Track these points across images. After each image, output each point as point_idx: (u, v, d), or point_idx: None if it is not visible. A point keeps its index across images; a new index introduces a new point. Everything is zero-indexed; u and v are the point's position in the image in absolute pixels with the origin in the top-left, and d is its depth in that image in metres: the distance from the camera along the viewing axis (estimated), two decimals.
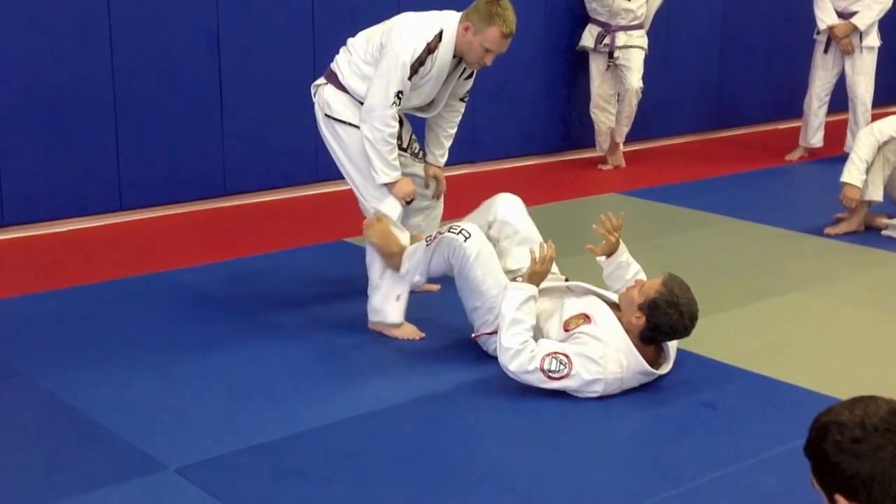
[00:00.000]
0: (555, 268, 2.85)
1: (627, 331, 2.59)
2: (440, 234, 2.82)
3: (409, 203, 3.04)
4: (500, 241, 2.98)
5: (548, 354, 2.53)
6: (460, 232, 2.76)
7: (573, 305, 2.69)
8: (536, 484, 2.21)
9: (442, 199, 3.32)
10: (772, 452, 2.36)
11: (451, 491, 2.17)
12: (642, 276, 2.83)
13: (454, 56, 2.94)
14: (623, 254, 2.86)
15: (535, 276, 2.69)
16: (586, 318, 2.63)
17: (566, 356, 2.53)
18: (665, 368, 2.67)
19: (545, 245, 2.73)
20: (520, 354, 2.54)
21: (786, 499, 2.17)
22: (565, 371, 2.51)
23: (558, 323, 2.66)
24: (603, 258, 2.88)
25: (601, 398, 2.58)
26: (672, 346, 2.72)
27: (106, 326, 3.07)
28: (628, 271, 2.82)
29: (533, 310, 2.63)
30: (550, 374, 2.52)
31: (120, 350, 2.88)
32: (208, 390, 2.64)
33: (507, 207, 3.01)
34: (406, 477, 2.23)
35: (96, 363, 2.79)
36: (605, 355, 2.53)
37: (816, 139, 5.56)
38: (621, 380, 2.57)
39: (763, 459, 2.33)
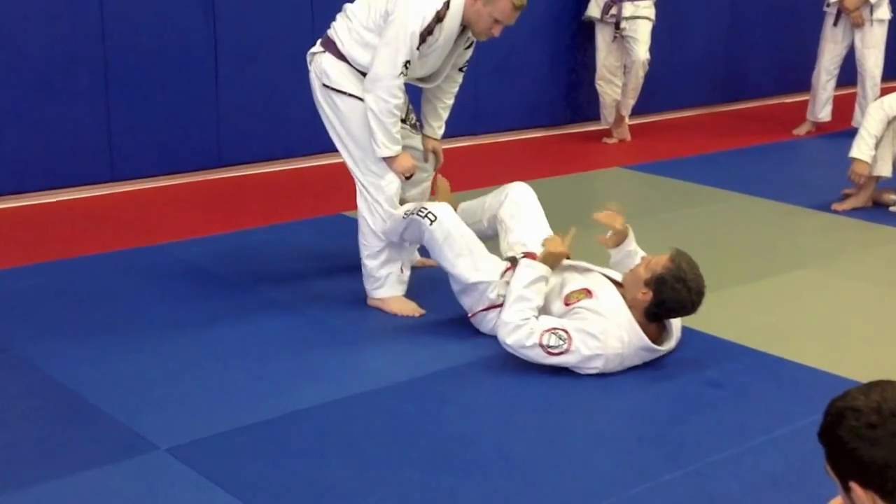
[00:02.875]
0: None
1: (631, 307, 2.56)
2: (410, 214, 2.80)
3: (408, 178, 2.97)
4: (505, 220, 2.96)
5: (547, 330, 2.51)
6: (426, 215, 2.75)
7: (574, 280, 2.66)
8: (539, 463, 2.18)
9: (434, 172, 3.26)
10: (779, 432, 2.34)
11: (451, 470, 2.15)
12: None
13: (460, 25, 2.87)
14: (631, 242, 2.84)
15: (550, 257, 2.64)
16: (587, 292, 2.60)
17: (565, 331, 2.51)
18: (668, 345, 2.63)
19: (564, 235, 2.71)
20: (519, 329, 2.52)
21: (793, 479, 2.15)
22: (564, 346, 2.49)
23: (559, 297, 2.64)
24: (612, 248, 2.85)
25: (604, 376, 2.56)
26: (676, 324, 2.68)
27: (96, 301, 3.03)
28: (635, 259, 2.78)
29: (542, 291, 2.61)
30: (549, 349, 2.50)
31: (110, 326, 2.84)
32: (202, 367, 2.61)
33: (521, 191, 3.02)
34: (406, 456, 2.20)
35: (86, 339, 2.75)
36: (605, 331, 2.51)
37: (824, 113, 5.51)
38: (622, 356, 2.54)
39: (770, 439, 2.31)
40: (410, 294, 3.01)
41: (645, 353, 2.57)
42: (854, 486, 1.27)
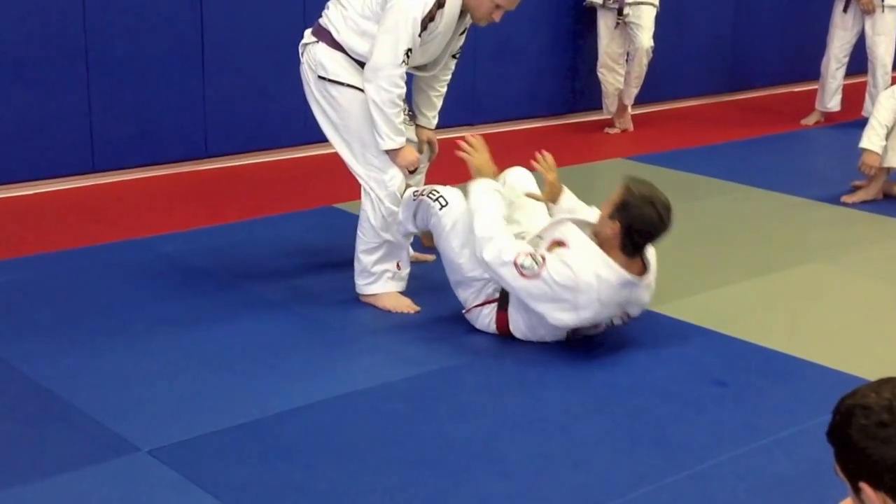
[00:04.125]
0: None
1: (608, 250, 2.59)
2: (421, 195, 2.80)
3: (412, 172, 2.95)
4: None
5: (524, 252, 2.58)
6: (437, 199, 2.75)
7: (550, 236, 2.71)
8: (536, 466, 2.18)
9: (428, 163, 3.26)
10: (786, 432, 2.34)
11: (445, 473, 2.14)
12: None
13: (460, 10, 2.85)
14: (570, 198, 2.85)
15: (477, 172, 2.72)
16: (561, 243, 2.64)
17: (542, 257, 2.56)
18: (648, 277, 2.64)
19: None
20: (492, 242, 2.58)
21: (801, 481, 2.14)
22: (537, 270, 2.53)
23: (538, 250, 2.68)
24: (553, 210, 2.87)
25: (605, 374, 2.53)
26: (651, 264, 2.67)
27: (76, 297, 3.01)
28: (588, 210, 2.80)
29: (500, 201, 2.69)
30: (523, 270, 2.54)
31: (90, 323, 2.83)
32: (185, 367, 2.59)
33: (519, 175, 3.02)
34: (397, 458, 2.19)
35: (64, 337, 2.74)
36: (580, 266, 2.53)
37: (834, 103, 5.50)
38: (599, 295, 2.53)
39: (777, 440, 2.30)
40: (405, 290, 3.00)
41: (624, 289, 2.56)
42: (864, 487, 1.27)
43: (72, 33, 4.01)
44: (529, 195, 2.88)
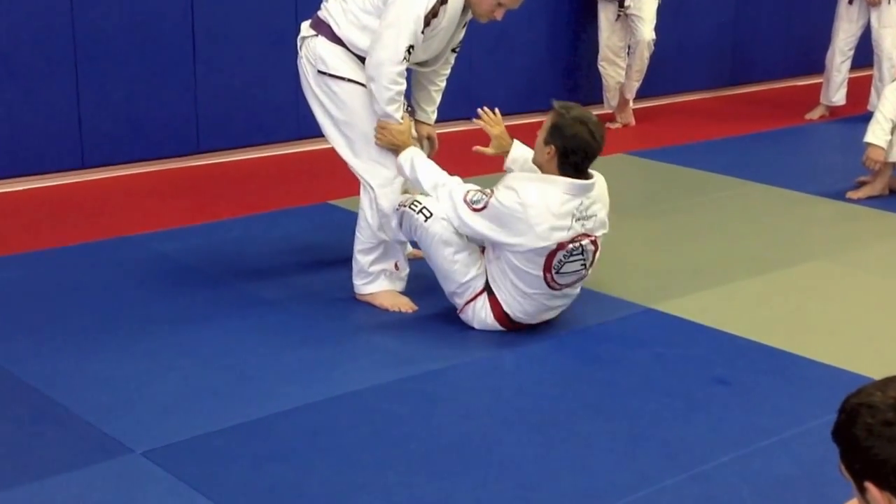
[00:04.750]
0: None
1: (546, 173, 2.67)
2: (403, 206, 2.81)
3: None
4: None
5: (473, 189, 2.70)
6: (420, 210, 2.76)
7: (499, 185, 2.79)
8: (536, 467, 2.18)
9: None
10: (789, 432, 2.34)
11: (442, 474, 2.14)
12: None
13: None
14: (520, 147, 2.91)
15: (393, 138, 2.81)
16: (503, 181, 2.75)
17: (490, 191, 2.68)
18: (595, 189, 2.70)
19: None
20: (442, 188, 2.71)
21: (804, 482, 2.15)
22: (486, 199, 2.65)
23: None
24: (506, 162, 2.91)
25: (605, 376, 2.54)
26: (600, 180, 2.73)
27: (66, 296, 3.01)
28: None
29: (432, 166, 2.80)
30: (474, 205, 2.66)
31: (81, 323, 2.83)
32: (178, 367, 2.59)
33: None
34: (394, 460, 2.19)
35: (55, 337, 2.73)
36: (523, 186, 2.63)
37: (839, 97, 5.51)
38: (547, 205, 2.61)
39: (780, 440, 2.31)
40: (402, 289, 3.00)
41: (572, 197, 2.63)
42: (870, 486, 1.27)
43: (60, 27, 4.00)
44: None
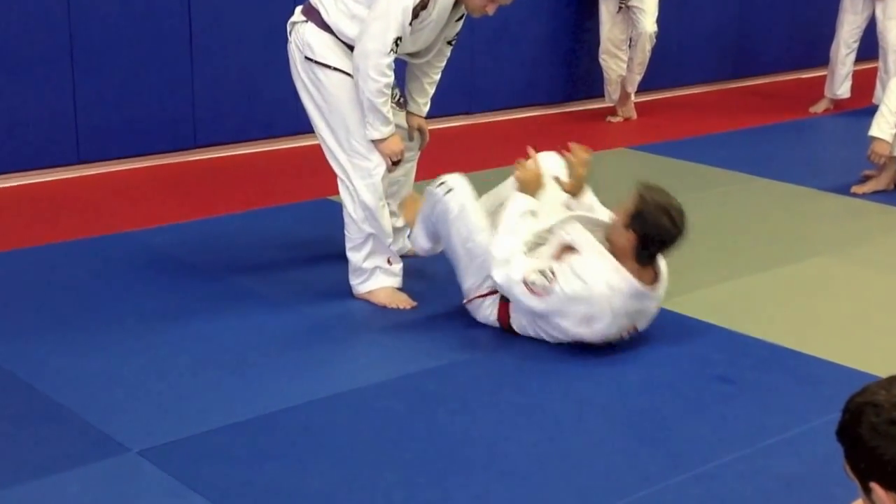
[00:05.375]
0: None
1: (621, 258, 2.59)
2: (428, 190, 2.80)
3: (395, 164, 2.94)
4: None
5: (533, 269, 2.58)
6: (440, 185, 2.74)
7: (559, 235, 2.71)
8: (537, 467, 2.18)
9: (419, 152, 3.24)
10: (794, 431, 2.34)
11: (443, 474, 2.14)
12: None
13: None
14: (590, 196, 2.86)
15: (525, 185, 2.70)
16: (573, 249, 2.65)
17: (551, 271, 2.57)
18: (660, 288, 2.66)
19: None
20: (506, 264, 2.59)
21: (809, 481, 2.14)
22: (548, 285, 2.55)
23: (547, 259, 2.67)
24: (568, 199, 2.86)
25: (606, 372, 2.55)
26: (663, 270, 2.68)
27: (62, 293, 3.01)
28: (601, 215, 2.79)
29: (530, 225, 2.68)
30: (533, 287, 2.55)
31: (77, 319, 2.82)
32: (175, 364, 2.59)
33: (551, 160, 2.95)
34: (393, 459, 2.19)
35: (50, 334, 2.73)
36: (593, 275, 2.55)
37: (843, 90, 5.50)
38: (611, 305, 2.55)
39: (785, 439, 2.31)
40: (401, 285, 2.99)
41: (635, 301, 2.58)
42: (875, 487, 1.27)
43: (56, 21, 3.99)
44: (556, 180, 2.86)
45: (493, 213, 2.87)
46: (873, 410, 1.28)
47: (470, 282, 2.77)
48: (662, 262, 2.69)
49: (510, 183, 2.96)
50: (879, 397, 1.29)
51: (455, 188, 2.71)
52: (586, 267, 2.56)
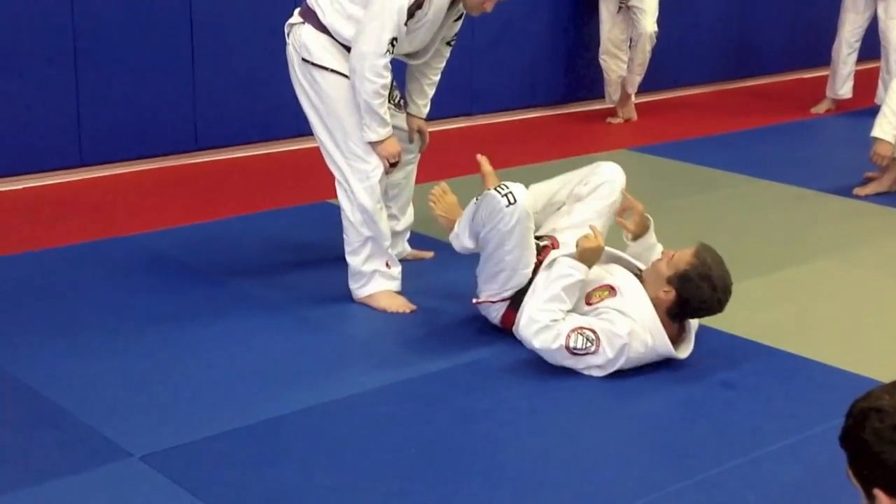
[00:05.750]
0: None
1: (654, 306, 2.56)
2: (487, 191, 2.71)
3: (393, 165, 2.94)
4: (571, 202, 2.88)
5: (573, 330, 2.51)
6: (506, 194, 2.64)
7: (595, 276, 2.65)
8: (540, 473, 2.18)
9: (419, 154, 3.23)
10: (796, 437, 2.34)
11: (443, 480, 2.14)
12: None
13: None
14: (652, 235, 2.83)
15: (587, 253, 2.60)
16: (611, 290, 2.61)
17: (593, 332, 2.51)
18: (685, 351, 2.64)
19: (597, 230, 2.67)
20: (546, 331, 2.52)
21: (812, 488, 2.15)
22: (592, 348, 2.50)
23: (580, 295, 2.63)
24: (630, 237, 2.84)
25: (610, 377, 2.55)
26: (692, 325, 2.69)
27: (63, 296, 3.01)
28: (655, 253, 2.77)
29: (576, 294, 2.60)
30: (575, 351, 2.50)
31: (78, 323, 2.83)
32: (177, 368, 2.59)
33: (612, 173, 2.90)
34: (394, 465, 2.19)
35: (52, 337, 2.74)
36: (632, 332, 2.52)
37: (845, 90, 5.50)
38: (641, 359, 2.56)
39: (787, 445, 2.31)
40: (401, 288, 2.99)
41: (662, 357, 2.59)
42: (879, 493, 1.28)
43: (59, 23, 3.98)
44: (626, 203, 2.80)
45: (542, 211, 2.85)
46: (877, 416, 1.28)
47: (491, 289, 2.74)
48: (695, 323, 2.67)
49: (559, 183, 2.91)
50: (883, 402, 1.30)
51: (518, 201, 2.62)
52: (626, 325, 2.51)
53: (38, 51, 3.98)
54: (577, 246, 2.62)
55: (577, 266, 2.58)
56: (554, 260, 2.63)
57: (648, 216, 2.83)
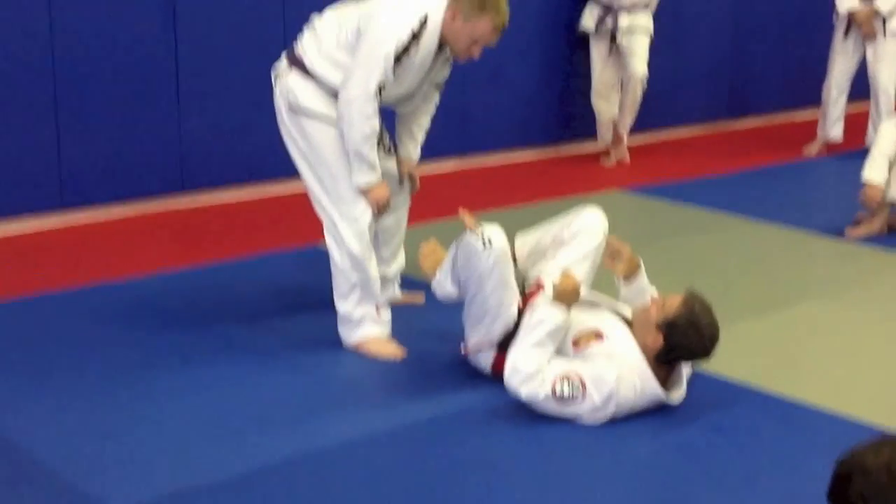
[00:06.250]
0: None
1: (643, 351, 2.58)
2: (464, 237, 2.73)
3: (382, 210, 2.96)
4: (555, 247, 2.89)
5: (559, 377, 2.52)
6: (482, 237, 2.67)
7: (582, 320, 2.66)
8: None
9: (410, 198, 3.25)
10: (790, 482, 2.33)
11: None
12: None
13: (438, 43, 2.88)
14: (643, 277, 2.85)
15: (564, 295, 2.60)
16: (597, 335, 2.62)
17: (580, 379, 2.51)
18: (678, 393, 2.64)
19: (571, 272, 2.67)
20: (532, 379, 2.52)
21: None
22: (579, 395, 2.51)
23: (566, 339, 2.64)
24: (621, 280, 2.86)
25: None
26: (685, 370, 2.69)
27: (43, 344, 3.00)
28: (647, 296, 2.80)
29: (560, 337, 2.60)
30: (562, 398, 2.51)
31: (58, 371, 2.81)
32: (161, 418, 2.58)
33: (593, 219, 2.91)
34: None
35: (30, 386, 2.72)
36: (619, 377, 2.52)
37: (836, 131, 5.56)
38: (633, 406, 2.56)
39: (780, 490, 2.30)
40: (391, 333, 2.99)
41: (652, 401, 2.59)
42: None
43: (39, 60, 3.98)
44: (612, 247, 2.81)
45: (528, 258, 2.87)
46: (862, 476, 1.29)
47: (477, 334, 2.75)
48: (687, 368, 2.68)
49: (543, 230, 2.92)
50: (868, 461, 1.30)
51: (494, 244, 2.65)
52: (613, 371, 2.51)
53: (19, 89, 3.95)
54: (553, 288, 2.63)
55: (557, 309, 2.59)
56: (534, 305, 2.64)
57: (638, 258, 2.85)
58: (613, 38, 5.16)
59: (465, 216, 2.84)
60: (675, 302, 2.57)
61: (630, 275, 2.84)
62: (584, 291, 2.81)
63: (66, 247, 3.89)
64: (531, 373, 2.52)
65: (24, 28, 3.96)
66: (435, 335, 3.06)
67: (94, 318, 3.20)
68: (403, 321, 3.09)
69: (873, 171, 4.03)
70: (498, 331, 2.71)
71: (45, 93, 4.02)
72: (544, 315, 2.58)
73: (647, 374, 2.55)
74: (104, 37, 4.11)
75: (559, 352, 2.63)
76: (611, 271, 2.88)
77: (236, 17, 4.41)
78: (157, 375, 2.80)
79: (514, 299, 2.72)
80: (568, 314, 2.61)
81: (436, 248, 2.99)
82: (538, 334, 2.56)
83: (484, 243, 2.65)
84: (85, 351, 2.96)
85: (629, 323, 2.67)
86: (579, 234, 2.89)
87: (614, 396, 2.52)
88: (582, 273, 2.81)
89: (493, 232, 2.69)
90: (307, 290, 3.43)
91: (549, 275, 2.78)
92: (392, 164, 3.12)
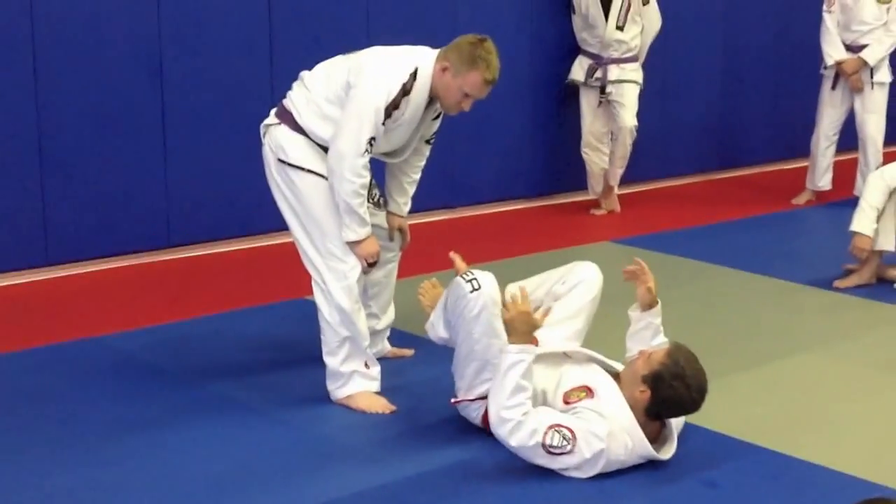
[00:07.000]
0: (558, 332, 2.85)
1: (631, 406, 2.61)
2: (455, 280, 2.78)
3: (371, 265, 3.01)
4: (552, 300, 2.94)
5: (551, 427, 2.55)
6: (470, 281, 2.72)
7: (573, 376, 2.70)
8: None
9: (400, 252, 3.29)
10: None
11: None
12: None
13: (428, 97, 2.94)
14: (658, 316, 2.88)
15: (518, 323, 2.62)
16: (588, 391, 2.65)
17: (570, 430, 2.55)
18: (668, 452, 2.67)
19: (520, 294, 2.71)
20: (521, 427, 2.54)
21: None
22: (568, 447, 2.54)
23: (557, 394, 2.68)
24: (636, 311, 2.88)
25: (592, 476, 2.57)
26: (676, 423, 2.73)
27: (25, 403, 3.00)
28: (655, 338, 2.84)
29: (532, 374, 2.63)
30: (552, 449, 2.54)
31: (42, 432, 2.81)
32: (147, 476, 2.59)
33: (593, 272, 2.97)
34: None
35: (11, 447, 2.72)
36: (610, 434, 2.56)
37: (824, 181, 5.66)
38: (623, 463, 2.59)
39: None
40: (380, 388, 3.02)
41: (644, 459, 2.62)
42: None
43: (23, 113, 4.01)
44: (636, 271, 2.83)
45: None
46: None
47: (465, 383, 2.78)
48: (679, 423, 2.71)
49: (537, 283, 2.96)
50: None
51: (483, 288, 2.69)
52: (604, 426, 2.55)
53: (3, 148, 3.98)
54: (505, 325, 2.65)
55: (523, 349, 2.61)
56: (501, 352, 2.64)
57: (656, 296, 2.84)
58: (603, 89, 5.27)
59: (456, 259, 2.89)
60: (658, 355, 2.62)
61: (645, 307, 2.85)
62: (576, 346, 2.87)
63: (51, 302, 3.89)
64: (520, 420, 2.54)
65: (11, 82, 4.01)
66: (424, 388, 3.09)
67: (79, 373, 3.21)
68: (393, 374, 3.11)
69: (862, 222, 4.11)
70: (485, 381, 2.73)
71: (31, 149, 4.05)
72: (513, 359, 2.59)
73: (639, 434, 2.58)
74: (90, 91, 4.15)
75: (551, 406, 2.66)
76: (616, 313, 2.87)
77: (224, 72, 4.48)
78: (142, 433, 2.81)
79: (502, 348, 2.75)
80: (533, 348, 2.62)
81: (435, 284, 3.05)
82: (513, 379, 2.57)
83: (473, 287, 2.70)
84: (68, 408, 2.96)
85: (617, 378, 2.71)
86: (575, 288, 2.95)
87: (604, 453, 2.55)
88: (575, 327, 2.86)
89: (483, 276, 2.73)
90: (295, 344, 3.45)
91: (541, 329, 2.80)
92: (381, 219, 3.15)
